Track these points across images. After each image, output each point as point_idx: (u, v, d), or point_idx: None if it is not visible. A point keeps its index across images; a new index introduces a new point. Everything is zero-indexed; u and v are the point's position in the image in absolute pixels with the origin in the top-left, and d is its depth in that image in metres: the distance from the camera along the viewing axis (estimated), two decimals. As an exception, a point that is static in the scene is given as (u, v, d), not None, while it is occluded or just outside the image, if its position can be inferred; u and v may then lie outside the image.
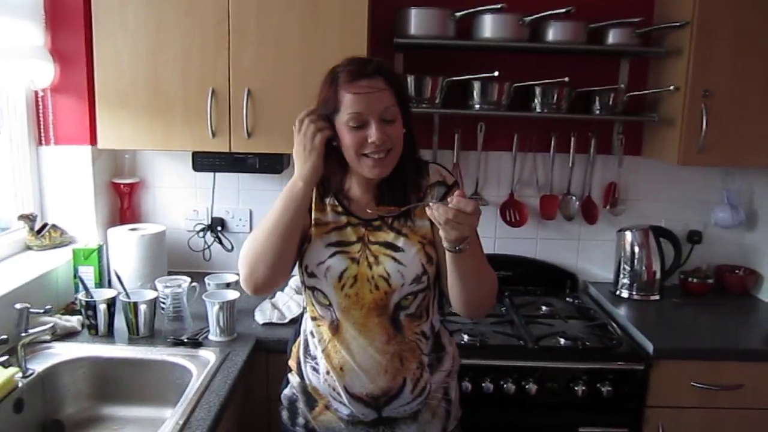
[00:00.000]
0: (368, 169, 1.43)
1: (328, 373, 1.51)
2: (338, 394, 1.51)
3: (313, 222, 1.52)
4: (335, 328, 1.50)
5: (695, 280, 2.58)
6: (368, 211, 1.48)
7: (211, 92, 2.14)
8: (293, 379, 1.63)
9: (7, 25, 2.01)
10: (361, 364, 1.49)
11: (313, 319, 1.55)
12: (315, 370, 1.55)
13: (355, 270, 1.48)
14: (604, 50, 2.41)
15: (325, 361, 1.52)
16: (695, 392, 2.05)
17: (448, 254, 1.35)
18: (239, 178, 2.58)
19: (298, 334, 1.65)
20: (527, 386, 2.00)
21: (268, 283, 1.48)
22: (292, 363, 1.64)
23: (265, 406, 2.00)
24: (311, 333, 1.57)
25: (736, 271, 2.62)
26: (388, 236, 1.50)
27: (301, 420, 1.62)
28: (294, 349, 1.64)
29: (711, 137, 2.21)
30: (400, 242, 1.49)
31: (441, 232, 1.31)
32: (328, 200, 1.54)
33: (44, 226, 2.22)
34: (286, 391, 1.66)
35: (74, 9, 2.20)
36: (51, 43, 2.22)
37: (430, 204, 1.28)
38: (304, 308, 1.62)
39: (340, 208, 1.53)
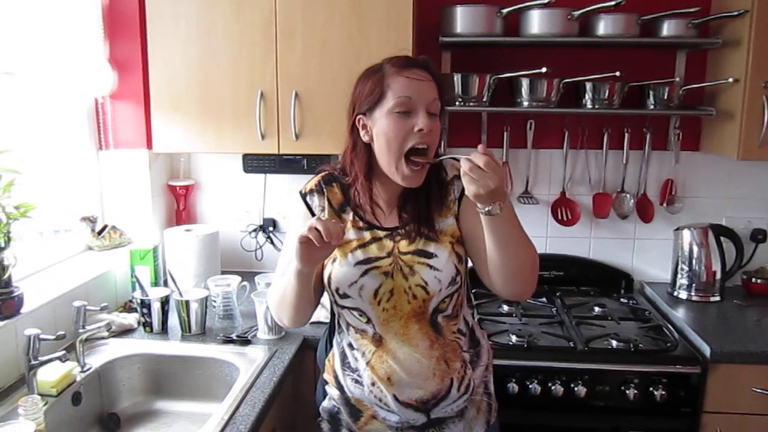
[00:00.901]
0: (406, 175, 1.40)
1: (373, 384, 1.49)
2: (386, 404, 1.50)
3: None
4: (378, 341, 1.49)
5: (759, 281, 2.46)
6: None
7: (259, 95, 2.19)
8: (332, 391, 1.59)
9: (70, 37, 2.11)
10: (410, 371, 1.47)
11: (352, 331, 1.53)
12: (357, 382, 1.52)
13: (391, 284, 1.46)
14: (657, 43, 2.34)
15: (370, 372, 1.49)
16: (756, 398, 1.96)
17: (483, 221, 1.32)
18: (289, 179, 2.62)
19: (330, 346, 1.63)
20: (576, 389, 1.96)
21: (297, 325, 1.54)
22: (328, 377, 1.61)
23: (311, 404, 2.02)
24: (349, 345, 1.54)
25: (804, 272, 2.49)
26: (418, 243, 1.47)
27: (344, 431, 1.59)
28: (328, 363, 1.61)
29: (773, 131, 2.11)
30: (432, 248, 1.47)
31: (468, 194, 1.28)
32: (347, 216, 1.52)
33: (104, 227, 2.32)
34: (326, 404, 1.61)
35: (131, 19, 2.29)
36: (110, 53, 2.31)
37: (457, 157, 1.28)
38: (334, 322, 1.60)
39: (362, 224, 1.51)
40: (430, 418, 1.50)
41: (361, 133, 1.46)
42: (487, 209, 1.28)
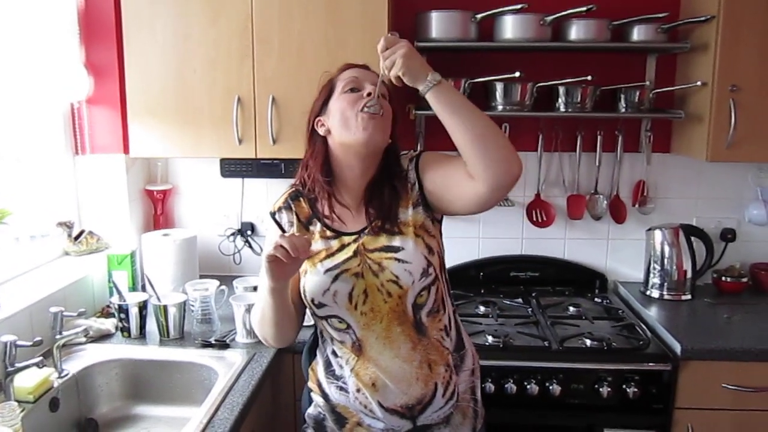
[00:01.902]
0: (362, 126, 1.45)
1: (358, 391, 1.50)
2: (371, 410, 1.50)
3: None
4: (358, 349, 1.49)
5: (729, 279, 2.52)
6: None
7: (236, 100, 2.20)
8: (317, 398, 1.60)
9: (46, 41, 2.11)
10: (393, 376, 1.47)
11: (336, 341, 1.53)
12: (342, 389, 1.53)
13: (363, 284, 1.47)
14: (628, 47, 2.39)
15: (355, 379, 1.50)
16: (726, 394, 2.01)
17: (431, 102, 1.39)
18: (267, 183, 2.63)
19: (312, 355, 1.65)
20: (551, 387, 1.99)
21: (281, 344, 1.61)
22: (312, 385, 1.62)
23: (291, 407, 2.04)
24: (333, 353, 1.55)
25: (772, 270, 2.56)
26: (384, 239, 1.49)
27: None
28: (312, 372, 1.63)
29: (740, 133, 2.17)
30: (397, 241, 1.48)
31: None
32: (315, 228, 1.55)
33: (81, 232, 2.31)
34: (311, 411, 1.62)
35: (107, 24, 2.29)
36: (86, 57, 2.31)
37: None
38: (317, 331, 1.63)
39: (329, 233, 1.53)
40: (416, 425, 1.50)
41: (320, 130, 1.54)
42: (423, 85, 1.37)
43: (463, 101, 1.39)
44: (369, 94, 1.46)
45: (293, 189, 1.61)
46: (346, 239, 1.52)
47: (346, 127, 1.47)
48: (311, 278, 1.50)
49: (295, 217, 1.57)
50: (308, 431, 1.63)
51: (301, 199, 1.59)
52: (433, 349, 1.50)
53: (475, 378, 1.62)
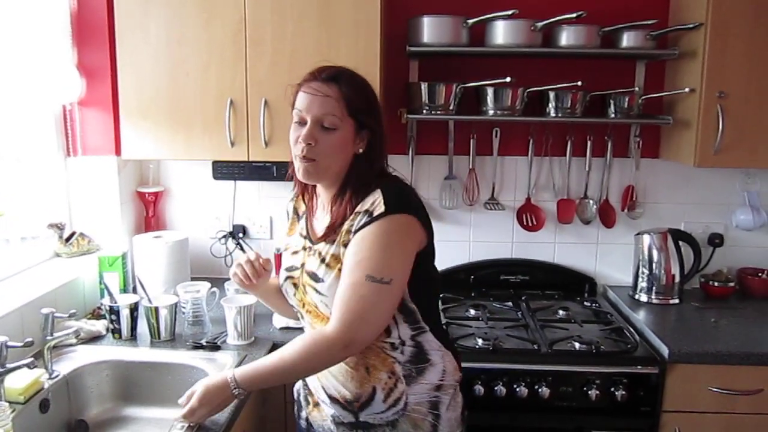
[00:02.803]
0: (298, 167, 1.49)
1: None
2: (321, 393, 1.59)
3: (284, 246, 1.67)
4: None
5: (716, 284, 2.55)
6: None
7: (229, 103, 2.20)
8: None
9: (38, 43, 2.11)
10: (332, 369, 1.52)
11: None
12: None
13: (300, 295, 1.58)
14: (617, 54, 2.41)
15: None
16: (712, 397, 2.03)
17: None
18: (259, 185, 2.64)
19: None
20: (540, 390, 2.01)
21: (294, 317, 1.74)
22: None
23: (281, 409, 2.05)
24: None
25: (759, 274, 2.58)
26: (314, 264, 1.52)
27: (303, 413, 1.72)
28: None
29: (727, 138, 2.20)
30: (321, 272, 1.50)
31: None
32: (300, 224, 1.64)
33: (72, 234, 2.31)
34: (297, 385, 1.75)
35: (99, 26, 2.30)
36: (78, 59, 2.31)
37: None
38: None
39: (304, 232, 1.61)
40: (359, 419, 1.55)
41: None
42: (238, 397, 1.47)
43: (270, 375, 1.46)
44: (299, 141, 1.46)
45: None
46: (307, 242, 1.59)
47: (293, 161, 1.52)
48: (281, 271, 1.65)
49: (293, 210, 1.70)
50: (295, 404, 1.78)
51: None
52: (373, 354, 1.51)
53: (441, 393, 1.55)
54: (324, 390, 1.56)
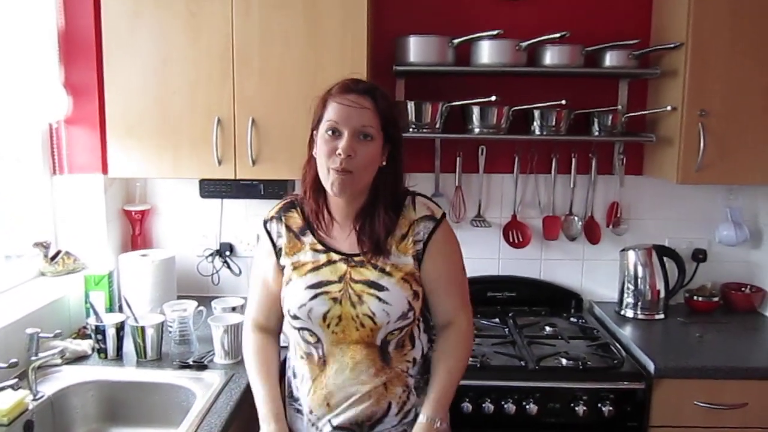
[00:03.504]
0: (331, 181, 1.45)
1: (311, 412, 1.55)
2: (327, 427, 1.53)
3: (291, 265, 1.55)
4: (322, 365, 1.53)
5: (700, 299, 2.57)
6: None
7: (216, 121, 2.21)
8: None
9: (24, 61, 2.11)
10: (349, 395, 1.50)
11: (299, 356, 1.58)
12: (299, 411, 1.59)
13: (339, 310, 1.49)
14: (601, 72, 2.45)
15: (309, 401, 1.55)
16: (698, 411, 2.05)
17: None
18: (246, 203, 2.64)
19: (283, 375, 1.69)
20: (528, 407, 2.01)
21: None
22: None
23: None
24: (293, 374, 1.60)
25: (743, 289, 2.61)
26: (372, 274, 1.50)
27: None
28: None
29: (709, 156, 2.23)
30: (384, 281, 1.49)
31: None
32: (307, 239, 1.56)
33: (58, 253, 2.29)
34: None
35: (87, 44, 2.30)
36: (65, 77, 2.31)
37: None
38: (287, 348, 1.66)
39: (319, 246, 1.55)
40: None
41: (313, 146, 1.53)
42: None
43: (452, 390, 1.55)
44: (339, 154, 1.43)
45: (288, 200, 1.64)
46: (335, 256, 1.53)
47: (322, 174, 1.49)
48: (292, 290, 1.53)
49: (284, 228, 1.59)
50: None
51: (295, 210, 1.60)
52: (394, 374, 1.53)
53: None
54: (330, 423, 1.52)
